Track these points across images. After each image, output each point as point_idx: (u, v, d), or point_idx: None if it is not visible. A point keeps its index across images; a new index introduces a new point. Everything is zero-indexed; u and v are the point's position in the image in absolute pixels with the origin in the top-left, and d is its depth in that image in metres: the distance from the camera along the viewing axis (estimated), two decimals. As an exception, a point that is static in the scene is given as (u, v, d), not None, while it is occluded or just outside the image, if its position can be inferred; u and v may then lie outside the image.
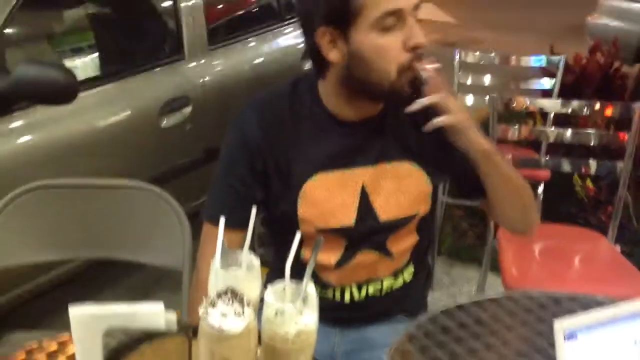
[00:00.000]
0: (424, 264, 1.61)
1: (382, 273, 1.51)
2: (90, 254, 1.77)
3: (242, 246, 1.17)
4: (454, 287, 3.02)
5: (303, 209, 1.43)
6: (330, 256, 1.47)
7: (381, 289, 1.52)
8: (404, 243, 1.51)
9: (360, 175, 1.43)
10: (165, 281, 2.72)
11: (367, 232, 1.45)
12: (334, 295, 1.51)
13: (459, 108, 1.35)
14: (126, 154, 2.64)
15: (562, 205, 3.13)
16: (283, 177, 1.43)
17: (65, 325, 1.30)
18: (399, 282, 1.54)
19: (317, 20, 1.33)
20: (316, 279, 1.47)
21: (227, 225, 1.11)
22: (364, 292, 1.51)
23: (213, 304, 1.00)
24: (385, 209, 1.44)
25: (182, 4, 2.92)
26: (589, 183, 3.11)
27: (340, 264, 1.48)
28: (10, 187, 1.66)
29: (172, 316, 1.10)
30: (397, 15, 1.29)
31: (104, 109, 2.59)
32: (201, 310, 1.00)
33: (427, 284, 1.68)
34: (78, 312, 1.07)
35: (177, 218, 1.66)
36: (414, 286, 1.57)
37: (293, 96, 1.44)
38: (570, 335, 1.00)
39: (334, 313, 1.49)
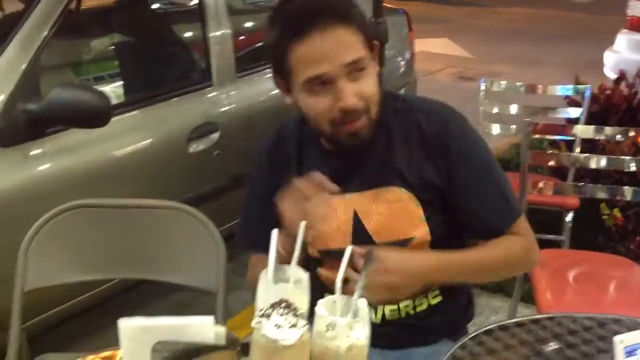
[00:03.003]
0: (456, 290, 1.58)
1: None
2: (127, 274, 1.76)
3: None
4: (481, 317, 2.97)
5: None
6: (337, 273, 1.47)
7: (399, 311, 1.51)
8: None
9: (351, 202, 1.47)
10: (187, 311, 2.70)
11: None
12: None
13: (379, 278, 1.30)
14: (154, 179, 2.64)
15: (590, 234, 3.11)
16: None
17: (97, 347, 1.29)
18: (422, 306, 1.52)
19: (273, 67, 1.45)
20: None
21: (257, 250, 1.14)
22: (379, 314, 1.50)
23: (267, 316, 0.99)
24: (380, 233, 1.47)
25: (211, 34, 2.96)
26: (616, 212, 3.08)
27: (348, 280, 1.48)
28: (42, 210, 1.66)
29: (221, 330, 1.09)
30: (324, 78, 1.35)
31: (135, 134, 2.60)
32: (255, 322, 0.99)
33: (468, 311, 1.65)
34: (128, 325, 1.07)
35: (213, 240, 1.65)
36: (447, 310, 1.54)
37: (300, 127, 1.53)
38: (630, 351, 0.98)
39: None
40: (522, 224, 1.49)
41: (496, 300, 3.08)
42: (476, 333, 1.41)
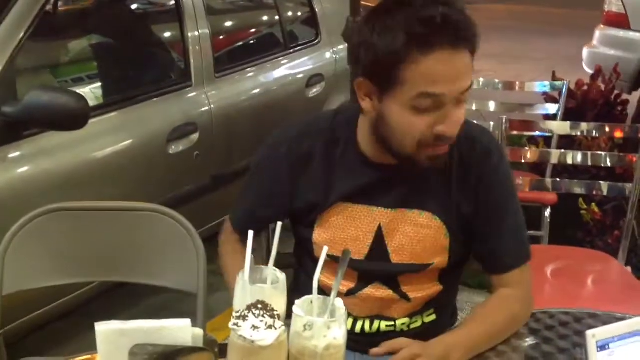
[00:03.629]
0: (448, 308, 1.58)
1: (396, 313, 1.48)
2: (105, 276, 1.76)
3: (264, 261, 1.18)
4: (463, 312, 2.98)
5: (317, 233, 1.45)
6: (342, 283, 1.44)
7: (394, 326, 1.49)
8: (424, 291, 1.48)
9: (378, 216, 1.42)
10: (167, 313, 2.70)
11: (377, 269, 1.45)
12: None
13: None
14: (133, 181, 2.64)
15: (568, 229, 3.13)
16: (303, 202, 1.45)
17: (78, 350, 1.29)
18: (417, 323, 1.50)
19: (360, 70, 1.33)
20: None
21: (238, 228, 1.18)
22: (375, 326, 1.49)
23: (244, 317, 0.99)
24: (399, 253, 1.43)
25: (190, 33, 2.95)
26: (594, 207, 3.11)
27: (351, 292, 1.47)
28: (20, 213, 1.65)
29: (199, 332, 1.09)
30: (435, 99, 1.26)
31: (113, 136, 2.59)
32: (232, 323, 0.99)
33: (453, 319, 1.63)
34: (104, 328, 1.07)
35: (192, 242, 1.65)
36: (438, 325, 1.52)
37: (332, 126, 1.45)
38: (602, 346, 1.00)
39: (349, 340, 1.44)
40: (527, 268, 1.47)
41: (479, 296, 3.09)
42: (453, 328, 1.43)
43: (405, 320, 1.49)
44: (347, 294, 1.46)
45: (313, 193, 1.44)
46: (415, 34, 1.23)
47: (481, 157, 1.42)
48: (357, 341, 1.42)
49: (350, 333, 1.42)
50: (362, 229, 1.43)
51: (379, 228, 1.42)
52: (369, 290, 1.47)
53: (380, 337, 1.46)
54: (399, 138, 1.32)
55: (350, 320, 1.48)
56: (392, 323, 1.49)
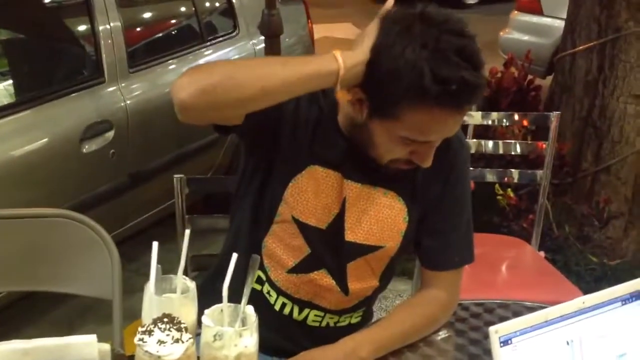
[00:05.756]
0: (370, 312, 1.59)
1: (330, 304, 1.47)
2: (14, 286, 1.70)
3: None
4: (386, 300, 3.04)
5: (291, 192, 1.39)
6: (289, 256, 1.43)
7: (321, 320, 1.48)
8: (364, 283, 1.47)
9: (347, 188, 1.39)
10: (89, 315, 2.66)
11: (329, 247, 1.42)
12: (275, 303, 1.46)
13: None
14: (46, 183, 2.56)
15: (485, 215, 3.21)
16: (288, 151, 1.38)
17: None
18: (344, 322, 1.51)
19: (361, 78, 1.24)
20: (266, 274, 1.46)
21: None
22: (304, 314, 1.48)
23: (149, 332, 0.97)
24: (354, 230, 1.41)
25: (101, 27, 2.87)
26: (509, 192, 3.19)
27: (294, 271, 1.43)
28: None
29: (105, 347, 1.07)
30: (420, 142, 1.27)
31: (21, 137, 2.50)
32: (137, 339, 0.97)
33: (371, 318, 1.62)
34: (4, 348, 1.03)
35: (105, 246, 1.61)
36: (360, 327, 1.52)
37: (322, 99, 1.38)
38: (505, 341, 1.02)
39: (273, 333, 1.40)
40: (462, 271, 1.48)
41: (401, 283, 3.14)
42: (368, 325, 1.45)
43: (335, 316, 1.48)
44: (289, 271, 1.43)
45: (298, 147, 1.37)
46: (425, 86, 1.17)
47: (456, 144, 1.41)
48: (283, 325, 1.43)
49: (279, 312, 1.46)
50: (333, 197, 1.39)
51: (344, 200, 1.39)
52: (313, 276, 1.43)
53: (305, 328, 1.47)
54: (373, 148, 1.32)
55: (280, 302, 1.46)
56: (322, 314, 1.47)
